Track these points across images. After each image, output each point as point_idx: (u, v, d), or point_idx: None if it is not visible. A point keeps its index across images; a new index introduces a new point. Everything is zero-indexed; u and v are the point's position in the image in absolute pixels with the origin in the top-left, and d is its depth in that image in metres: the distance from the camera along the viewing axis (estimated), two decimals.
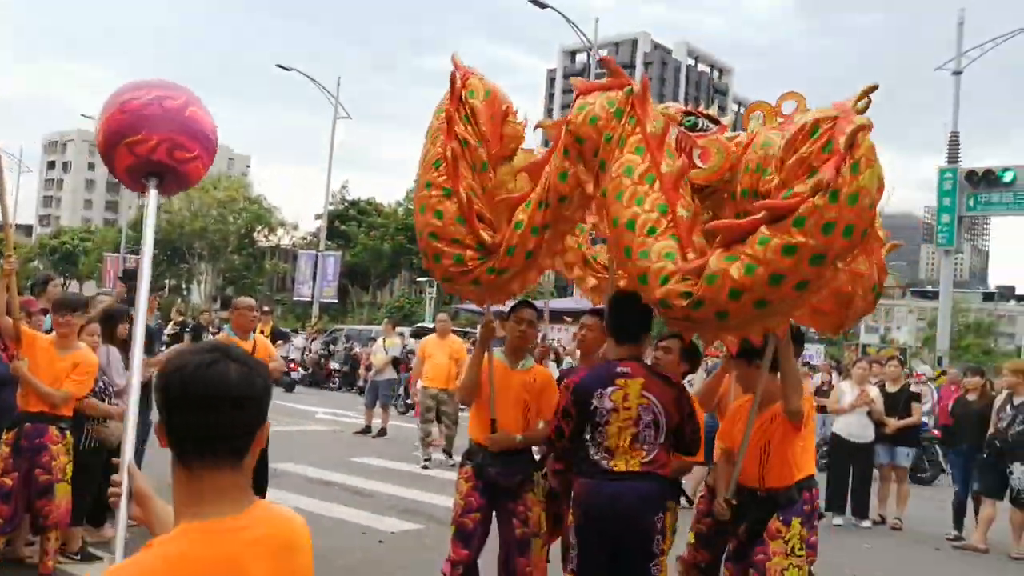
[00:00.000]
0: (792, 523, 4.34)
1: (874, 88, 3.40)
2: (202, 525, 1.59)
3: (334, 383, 23.84)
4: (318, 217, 54.39)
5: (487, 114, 4.40)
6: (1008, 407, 8.97)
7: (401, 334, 16.95)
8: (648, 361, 4.48)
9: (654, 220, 3.63)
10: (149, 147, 2.88)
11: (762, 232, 3.27)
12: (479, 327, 5.12)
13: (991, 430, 9.13)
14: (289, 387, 20.66)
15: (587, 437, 4.08)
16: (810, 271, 3.29)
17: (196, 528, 1.59)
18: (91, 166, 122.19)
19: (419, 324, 27.44)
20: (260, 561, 1.60)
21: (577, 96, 4.09)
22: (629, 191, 3.72)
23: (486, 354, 4.90)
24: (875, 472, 10.30)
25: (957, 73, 23.70)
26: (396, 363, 15.07)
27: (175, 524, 1.64)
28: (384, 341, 15.15)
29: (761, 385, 4.29)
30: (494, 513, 4.91)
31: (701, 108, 4.43)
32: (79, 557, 6.04)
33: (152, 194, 2.97)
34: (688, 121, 4.12)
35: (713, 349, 5.01)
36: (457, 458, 11.74)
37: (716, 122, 4.26)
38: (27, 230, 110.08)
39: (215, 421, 1.62)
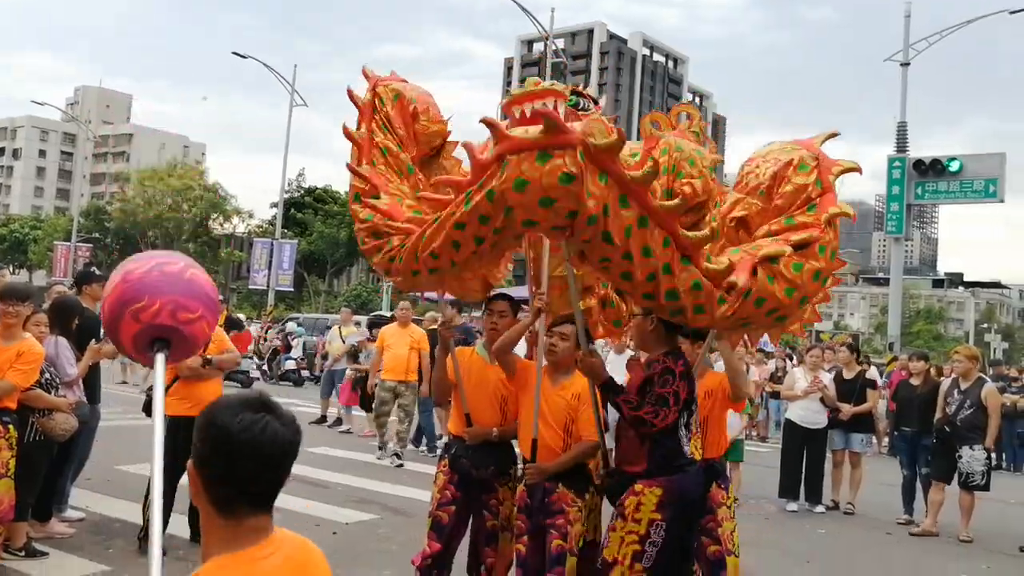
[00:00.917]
0: (729, 489, 4.99)
1: (835, 134, 4.14)
2: (232, 558, 1.74)
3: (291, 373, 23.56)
4: (274, 205, 53.87)
5: (399, 119, 4.44)
6: (955, 392, 9.11)
7: (357, 323, 16.76)
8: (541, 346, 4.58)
9: (668, 258, 3.55)
10: (152, 312, 2.94)
11: (793, 259, 3.71)
12: (438, 323, 5.00)
13: (938, 415, 9.28)
14: (246, 384, 20.19)
15: (683, 431, 4.16)
16: (821, 291, 3.92)
17: (226, 562, 1.74)
18: (42, 153, 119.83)
19: (376, 312, 27.25)
20: None
21: (500, 154, 3.37)
22: (635, 247, 3.48)
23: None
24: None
25: (905, 64, 24.08)
26: (354, 352, 14.88)
27: (205, 558, 1.77)
28: (340, 330, 15.00)
29: (699, 365, 4.81)
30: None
31: (581, 88, 4.43)
32: (23, 553, 5.89)
33: (160, 360, 3.01)
34: (571, 100, 4.07)
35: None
36: (415, 452, 11.72)
37: (595, 102, 4.34)
38: None
39: (276, 477, 1.81)
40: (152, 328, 2.97)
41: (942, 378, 10.25)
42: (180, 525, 6.39)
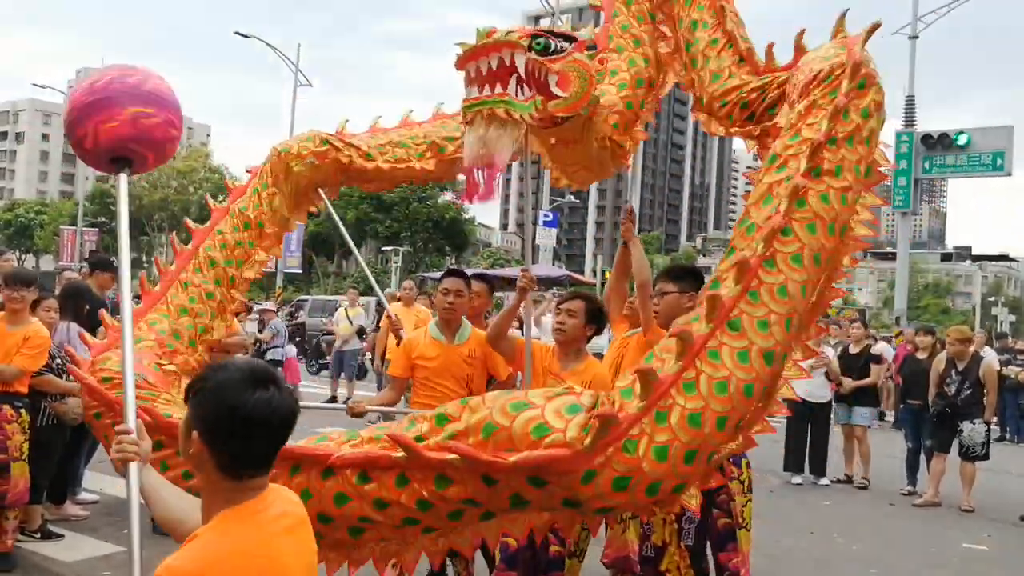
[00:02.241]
0: (742, 464, 4.58)
1: (877, 26, 3.39)
2: (235, 511, 1.84)
3: (299, 356, 23.69)
4: None
5: None
6: (953, 372, 9.20)
7: (364, 305, 16.83)
8: (551, 323, 4.49)
9: None
10: (120, 122, 3.04)
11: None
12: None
13: (933, 391, 9.38)
14: None
15: None
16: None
17: (231, 515, 1.83)
18: (45, 137, 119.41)
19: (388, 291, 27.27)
20: (284, 536, 1.88)
21: None
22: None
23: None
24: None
25: (913, 37, 23.89)
26: (361, 332, 14.93)
27: (206, 517, 1.88)
28: (347, 310, 15.05)
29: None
30: None
31: (556, 27, 3.97)
32: (39, 535, 6.00)
33: (123, 178, 3.11)
34: (538, 44, 3.51)
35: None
36: None
37: (572, 39, 3.68)
38: None
39: (280, 444, 1.90)
40: (116, 140, 3.08)
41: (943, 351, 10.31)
42: None
